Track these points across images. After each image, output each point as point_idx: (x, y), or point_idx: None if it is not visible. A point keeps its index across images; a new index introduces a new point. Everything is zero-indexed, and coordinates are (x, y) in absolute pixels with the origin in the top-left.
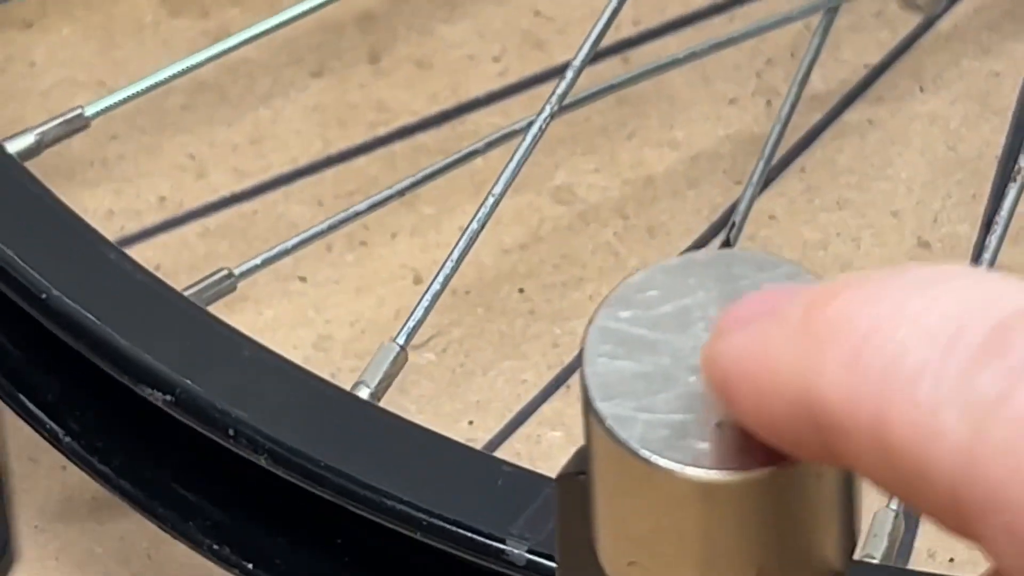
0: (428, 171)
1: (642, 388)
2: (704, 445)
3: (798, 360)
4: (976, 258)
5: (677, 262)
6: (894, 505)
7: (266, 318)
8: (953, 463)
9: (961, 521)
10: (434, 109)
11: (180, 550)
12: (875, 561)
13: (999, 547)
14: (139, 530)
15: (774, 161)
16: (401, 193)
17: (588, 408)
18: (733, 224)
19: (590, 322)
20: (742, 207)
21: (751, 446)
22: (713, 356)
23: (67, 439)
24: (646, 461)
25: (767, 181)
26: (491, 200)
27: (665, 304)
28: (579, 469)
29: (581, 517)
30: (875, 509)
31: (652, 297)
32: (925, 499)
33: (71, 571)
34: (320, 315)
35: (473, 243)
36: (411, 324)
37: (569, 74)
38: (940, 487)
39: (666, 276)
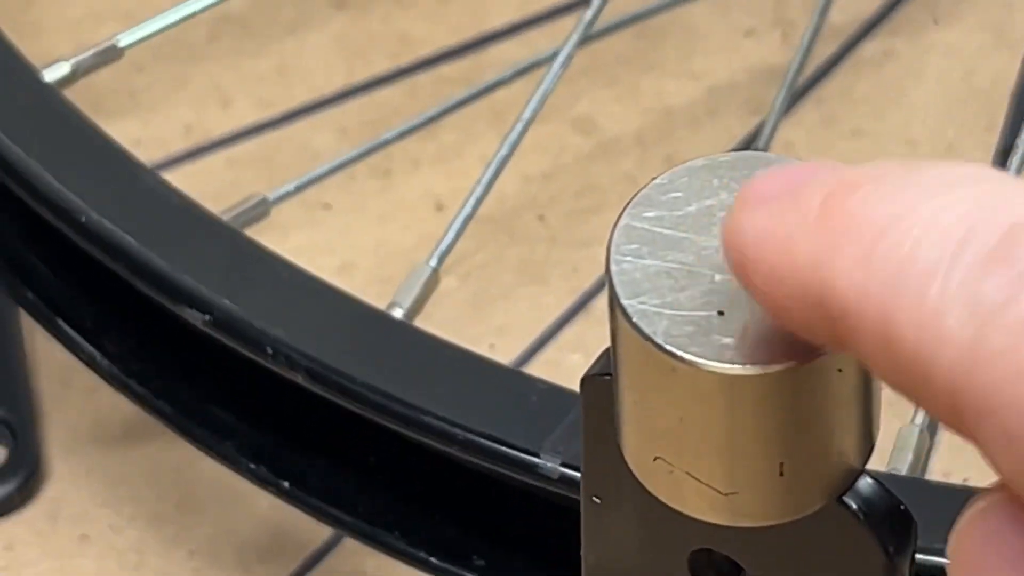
0: (454, 101)
1: (667, 285)
2: (728, 340)
3: (813, 249)
4: None
5: (702, 163)
6: (919, 420)
7: (291, 244)
8: (953, 365)
9: (960, 421)
10: (456, 40)
11: (209, 469)
12: (902, 474)
13: (995, 449)
14: (168, 451)
15: (795, 89)
16: (427, 123)
17: (614, 305)
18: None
19: (616, 222)
20: (765, 133)
21: (774, 342)
22: (733, 230)
23: (104, 362)
24: (671, 355)
25: (787, 109)
26: (519, 126)
27: (690, 204)
28: (605, 370)
29: (607, 417)
30: (900, 425)
31: (677, 198)
32: (926, 398)
33: (100, 489)
34: (344, 241)
35: (501, 170)
36: (443, 247)
37: (595, 2)
38: (940, 388)
39: (691, 177)
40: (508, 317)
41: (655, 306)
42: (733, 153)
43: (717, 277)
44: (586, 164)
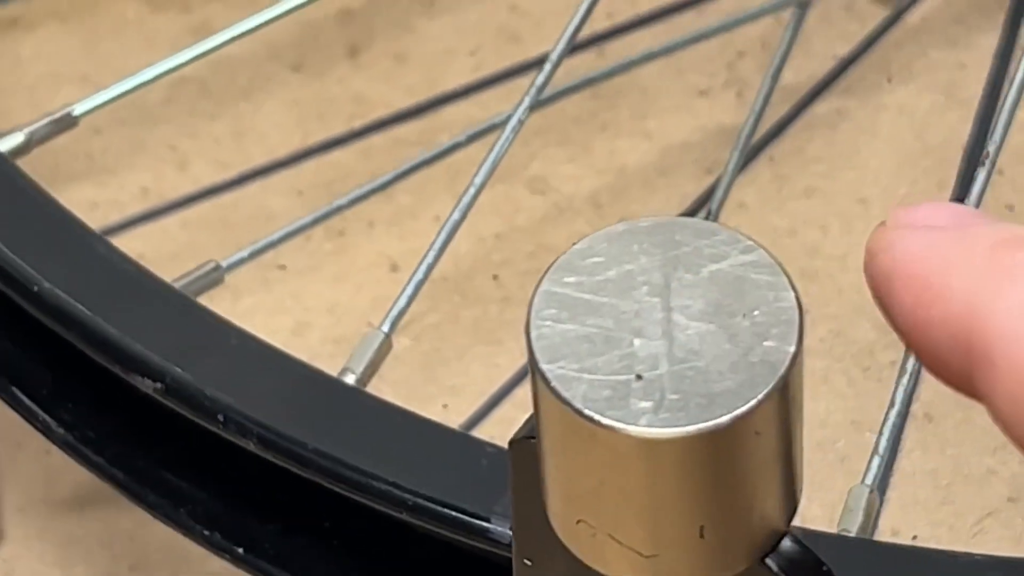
0: (410, 165)
1: (586, 350)
2: (646, 404)
3: (973, 286)
4: None
5: (621, 229)
6: (869, 480)
7: (245, 305)
8: None
9: None
10: (411, 102)
11: (162, 532)
12: (851, 535)
13: None
14: (122, 513)
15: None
16: (383, 187)
17: (534, 370)
18: (709, 212)
19: (536, 287)
20: (718, 194)
21: (691, 405)
22: (883, 246)
23: (59, 430)
24: (590, 419)
25: (740, 169)
26: (472, 190)
27: (609, 270)
28: (531, 434)
29: (534, 480)
30: (850, 485)
31: (596, 263)
32: None
33: (54, 552)
34: (298, 303)
35: (455, 233)
36: (395, 312)
37: (547, 67)
38: None
39: (610, 243)
40: (461, 377)
41: (574, 371)
42: (652, 218)
43: (636, 341)
44: (540, 224)
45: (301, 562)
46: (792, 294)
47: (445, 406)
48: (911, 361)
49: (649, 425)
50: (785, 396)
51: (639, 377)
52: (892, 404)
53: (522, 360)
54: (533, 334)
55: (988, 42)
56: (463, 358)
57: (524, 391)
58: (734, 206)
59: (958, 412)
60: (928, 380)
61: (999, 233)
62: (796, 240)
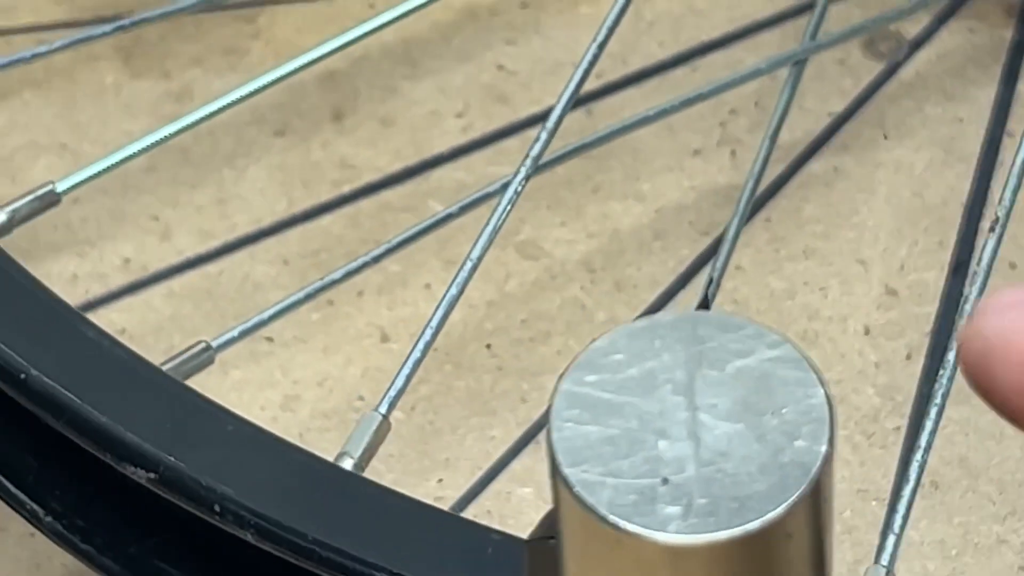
0: (402, 236)
1: (609, 453)
2: (673, 509)
3: None
4: (943, 304)
5: (642, 325)
6: (884, 561)
7: (233, 379)
8: None
9: None
10: (398, 166)
11: None
12: None
13: None
14: None
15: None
16: (375, 259)
17: (556, 473)
18: (711, 280)
19: (556, 387)
20: (720, 260)
21: (720, 509)
22: (973, 332)
23: (48, 519)
24: (614, 526)
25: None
26: (469, 265)
27: (631, 367)
28: (548, 534)
29: None
30: (857, 555)
31: (617, 361)
32: None
33: None
34: (287, 376)
35: (452, 309)
36: (392, 393)
37: (543, 136)
38: None
39: (631, 339)
40: (456, 450)
41: (598, 474)
42: (673, 314)
43: (661, 443)
44: (532, 290)
45: None
46: (822, 390)
47: (440, 480)
48: (924, 436)
49: (677, 532)
50: (817, 497)
51: (665, 481)
52: (906, 480)
53: (518, 431)
54: (555, 436)
55: (986, 95)
56: (457, 431)
57: (520, 464)
58: (731, 269)
59: (965, 480)
60: (934, 447)
61: None
62: (795, 302)
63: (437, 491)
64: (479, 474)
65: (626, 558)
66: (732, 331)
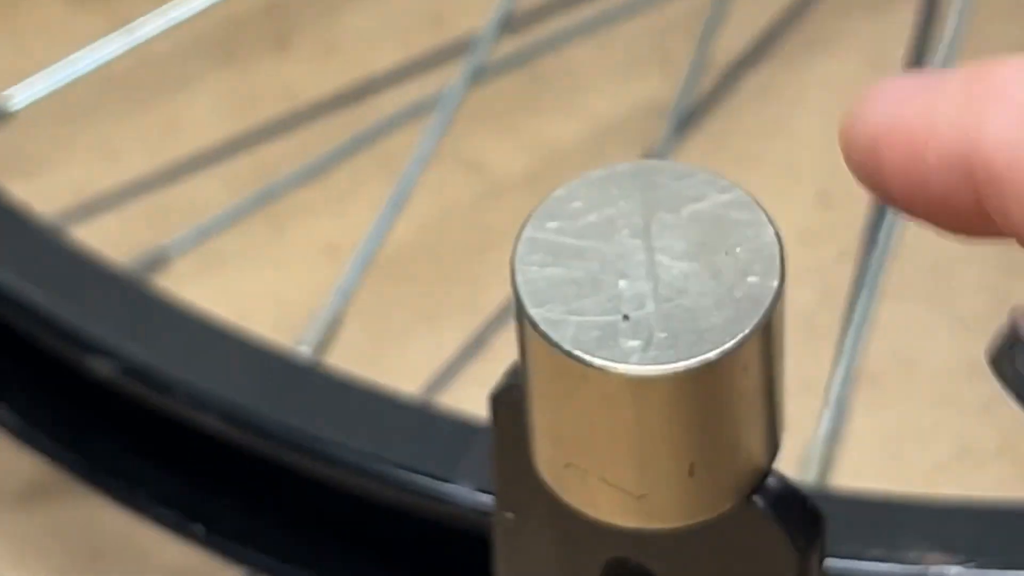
0: (340, 148)
1: (572, 293)
2: (634, 343)
3: (960, 118)
4: (874, 207)
5: (599, 174)
6: (821, 432)
7: (187, 296)
8: None
9: None
10: (341, 88)
11: (114, 523)
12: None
13: None
14: (73, 508)
15: (679, 120)
16: (317, 170)
17: (521, 315)
18: None
19: (519, 234)
20: None
21: (679, 342)
22: (861, 119)
23: (10, 417)
24: (579, 360)
25: (673, 142)
26: (408, 176)
27: (590, 214)
28: (512, 384)
29: (517, 430)
30: (799, 445)
31: (576, 208)
32: None
33: (5, 548)
34: (240, 291)
35: (397, 211)
36: (346, 286)
37: (478, 45)
38: None
39: (589, 188)
40: (407, 357)
41: (561, 313)
42: (629, 163)
43: (621, 283)
44: (477, 204)
45: (262, 538)
46: (772, 230)
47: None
48: (855, 316)
49: (639, 363)
50: (769, 331)
51: (626, 317)
52: (840, 356)
53: (465, 336)
54: (519, 279)
55: (910, 7)
56: (407, 338)
57: (471, 367)
58: None
59: (901, 371)
60: (870, 342)
61: (966, 70)
62: None
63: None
64: (430, 379)
65: (591, 392)
66: (686, 178)
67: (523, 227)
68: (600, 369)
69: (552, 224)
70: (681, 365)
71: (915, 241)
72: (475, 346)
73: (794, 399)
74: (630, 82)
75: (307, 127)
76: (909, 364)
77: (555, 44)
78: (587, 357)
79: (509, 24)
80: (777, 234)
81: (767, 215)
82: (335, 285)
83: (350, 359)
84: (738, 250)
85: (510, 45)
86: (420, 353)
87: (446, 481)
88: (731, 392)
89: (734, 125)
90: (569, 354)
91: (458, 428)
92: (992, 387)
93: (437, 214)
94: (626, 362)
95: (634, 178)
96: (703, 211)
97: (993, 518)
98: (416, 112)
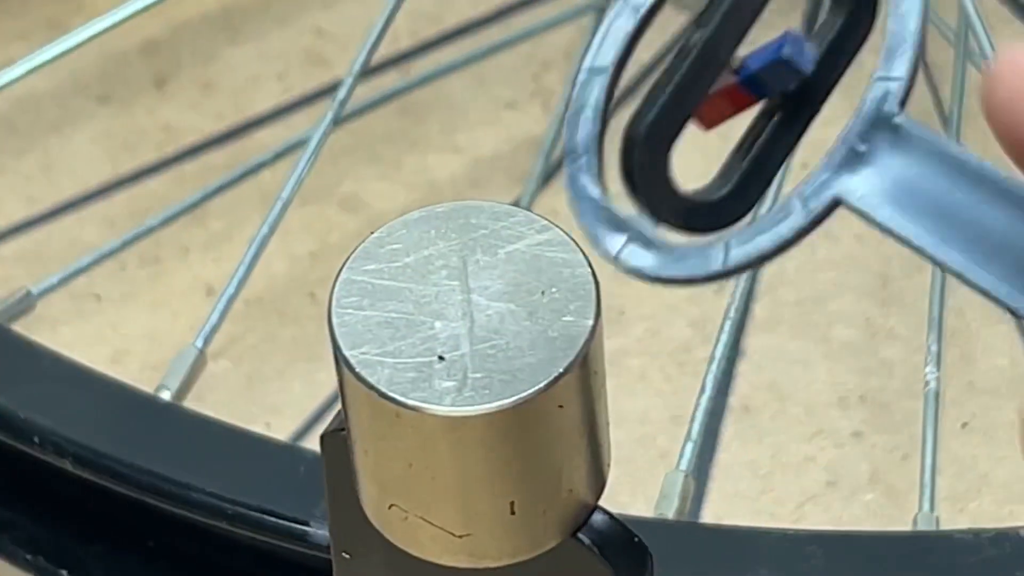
0: (216, 184)
1: (387, 335)
2: (449, 384)
3: None
4: None
5: (418, 215)
6: (683, 466)
7: (63, 337)
8: None
9: None
10: (220, 128)
11: None
12: (669, 518)
13: None
14: None
15: (553, 159)
16: (193, 207)
17: (338, 358)
18: None
19: (336, 276)
20: (523, 202)
21: (493, 383)
22: (1001, 73)
23: None
24: (394, 401)
25: (547, 178)
26: (279, 205)
27: (407, 255)
28: (340, 427)
29: (347, 472)
30: (665, 471)
31: (394, 249)
32: None
33: None
34: (116, 331)
35: (265, 247)
36: (207, 328)
37: (348, 80)
38: None
39: (407, 229)
40: (283, 395)
41: (376, 355)
42: (448, 203)
43: (437, 324)
44: (354, 241)
45: None
46: (588, 269)
47: (268, 424)
48: (719, 349)
49: (453, 404)
50: (586, 369)
51: (441, 358)
52: (703, 390)
53: None
54: (335, 322)
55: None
56: (283, 376)
57: None
58: (547, 213)
59: (774, 403)
60: (743, 373)
61: None
62: None
63: (266, 434)
64: (305, 417)
65: (407, 433)
66: (503, 219)
67: (340, 269)
68: (415, 410)
69: (370, 266)
70: (495, 405)
71: (788, 272)
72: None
73: (666, 431)
74: (509, 118)
75: (185, 166)
76: (784, 396)
77: (431, 76)
78: (402, 398)
79: (386, 62)
80: (593, 273)
81: (584, 254)
82: (204, 322)
83: (225, 399)
84: (554, 290)
85: (390, 82)
86: (296, 392)
87: (301, 522)
88: (548, 430)
89: (610, 156)
90: (384, 395)
91: (318, 469)
92: (863, 417)
93: (313, 252)
94: (440, 403)
95: (453, 219)
96: (520, 251)
97: (859, 547)
98: (290, 148)
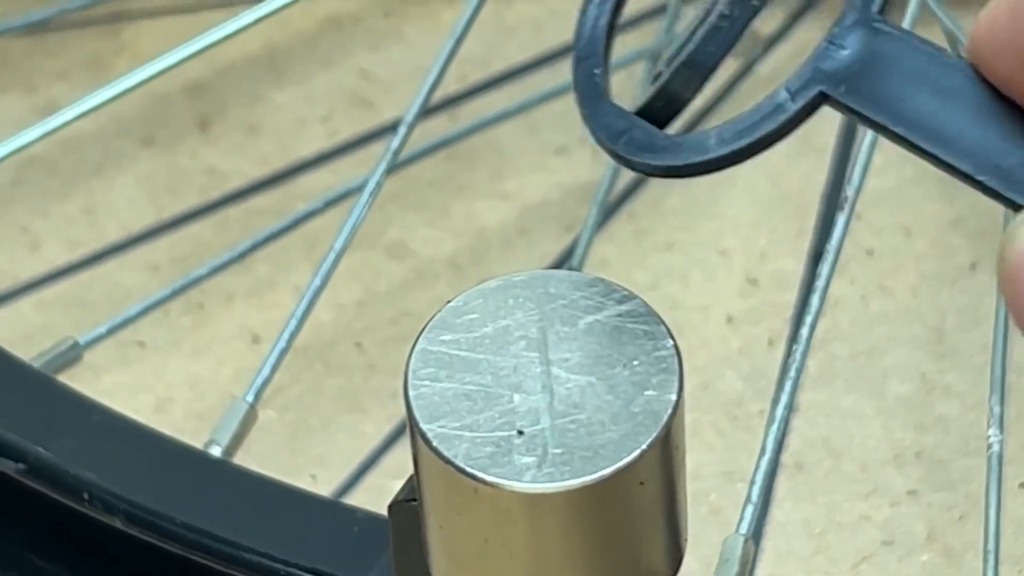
0: (266, 233)
1: (465, 408)
2: (528, 459)
3: None
4: (803, 290)
5: (495, 284)
6: (743, 529)
7: (106, 384)
8: None
9: None
10: (265, 172)
11: None
12: None
13: None
14: None
15: (607, 204)
16: (240, 257)
17: (414, 431)
18: (571, 270)
19: (412, 347)
20: (578, 251)
21: (574, 458)
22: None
23: None
24: (472, 477)
25: (597, 227)
26: (331, 256)
27: (485, 326)
28: (411, 496)
29: (414, 543)
30: (724, 535)
31: (472, 319)
32: None
33: None
34: (160, 379)
35: (316, 300)
36: (258, 381)
37: (402, 129)
38: None
39: (485, 298)
40: (328, 447)
41: (454, 429)
42: (526, 272)
43: (516, 397)
44: (401, 290)
45: None
46: (671, 342)
47: (313, 476)
48: (779, 409)
49: (533, 481)
50: (668, 445)
51: (520, 433)
52: (763, 452)
53: (388, 427)
54: (411, 394)
55: None
56: (329, 428)
57: (392, 458)
58: (596, 262)
59: (828, 460)
60: (797, 429)
61: None
62: (658, 293)
63: (311, 487)
64: (351, 469)
65: (485, 509)
66: (583, 288)
67: (417, 339)
68: (493, 486)
69: (446, 336)
70: (576, 482)
71: (842, 326)
72: (397, 436)
73: (719, 487)
74: (558, 163)
75: (230, 211)
76: (838, 452)
77: (481, 124)
78: (480, 474)
79: (434, 107)
80: (676, 347)
81: (665, 326)
82: (252, 376)
83: (269, 449)
84: (635, 363)
85: (437, 128)
86: (342, 444)
87: None
88: (628, 508)
89: (662, 207)
90: (462, 470)
91: (372, 527)
92: (919, 475)
93: (360, 300)
94: (519, 479)
95: (531, 288)
96: (600, 322)
97: None
98: (341, 196)
